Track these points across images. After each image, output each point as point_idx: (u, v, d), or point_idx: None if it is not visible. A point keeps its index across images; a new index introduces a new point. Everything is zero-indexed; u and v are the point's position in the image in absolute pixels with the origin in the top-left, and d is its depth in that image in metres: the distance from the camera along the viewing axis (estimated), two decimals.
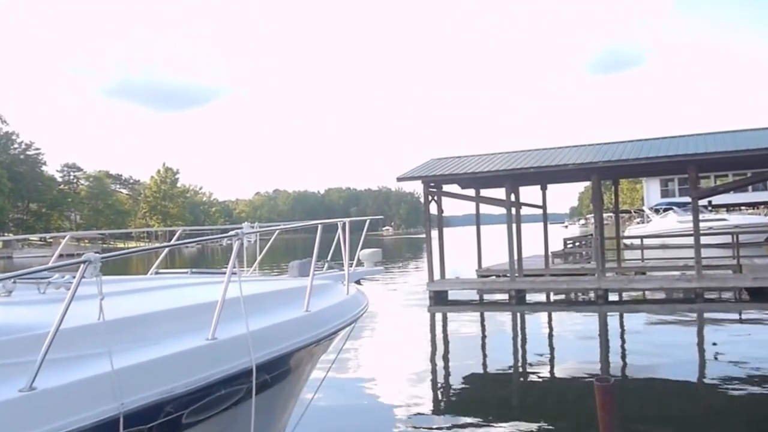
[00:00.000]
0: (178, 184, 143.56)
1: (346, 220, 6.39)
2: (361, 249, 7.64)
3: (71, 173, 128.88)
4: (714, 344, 13.08)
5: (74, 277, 3.31)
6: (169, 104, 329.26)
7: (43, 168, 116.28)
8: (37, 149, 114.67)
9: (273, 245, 7.74)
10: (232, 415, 4.09)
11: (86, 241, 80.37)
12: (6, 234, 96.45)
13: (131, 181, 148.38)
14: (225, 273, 4.25)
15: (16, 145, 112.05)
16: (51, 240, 73.46)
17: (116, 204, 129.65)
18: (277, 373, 4.58)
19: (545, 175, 21.38)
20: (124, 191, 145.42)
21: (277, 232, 7.86)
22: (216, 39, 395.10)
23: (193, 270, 7.12)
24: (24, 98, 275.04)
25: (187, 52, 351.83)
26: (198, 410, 3.72)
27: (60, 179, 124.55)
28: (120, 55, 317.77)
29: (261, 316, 4.53)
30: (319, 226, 5.96)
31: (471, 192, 22.93)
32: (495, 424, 8.07)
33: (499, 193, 20.93)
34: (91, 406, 3.00)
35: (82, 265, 3.22)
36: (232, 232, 4.54)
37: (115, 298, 4.43)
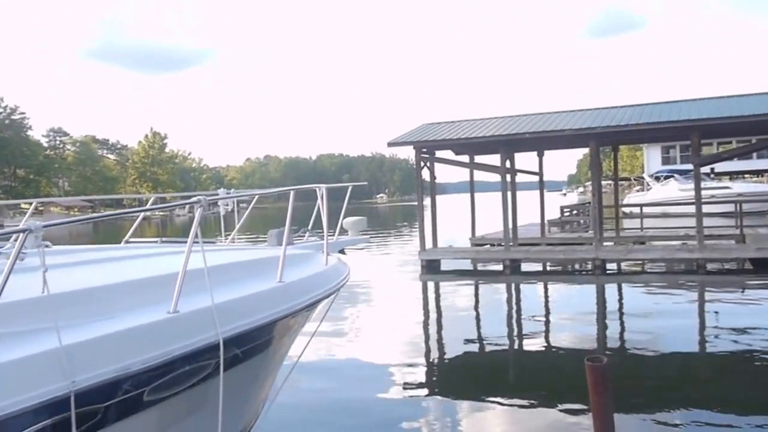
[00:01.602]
0: (167, 150, 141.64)
1: (324, 186, 5.96)
2: (344, 217, 7.29)
3: (57, 138, 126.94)
4: (716, 317, 12.64)
5: (33, 247, 3.07)
6: (154, 66, 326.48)
7: (29, 133, 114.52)
8: (22, 113, 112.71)
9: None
10: (201, 391, 3.88)
11: (76, 209, 79.60)
12: None
13: (118, 146, 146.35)
14: (200, 242, 4.01)
15: (0, 110, 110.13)
16: (42, 208, 72.70)
17: (104, 170, 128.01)
18: (248, 347, 4.32)
19: (541, 141, 20.76)
20: (112, 157, 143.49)
21: (256, 198, 7.55)
22: None
23: (163, 239, 6.82)
24: (6, 61, 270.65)
25: (173, 12, 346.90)
26: (161, 387, 3.50)
27: (46, 144, 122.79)
28: (103, 17, 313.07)
29: (230, 287, 4.27)
30: (292, 192, 5.59)
31: (465, 158, 22.25)
32: (488, 398, 7.80)
33: (495, 159, 20.26)
34: (37, 385, 2.80)
35: (21, 235, 3.00)
36: (193, 199, 4.24)
37: (74, 268, 4.29)
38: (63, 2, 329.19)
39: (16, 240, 3.84)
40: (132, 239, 6.67)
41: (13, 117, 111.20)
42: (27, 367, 2.83)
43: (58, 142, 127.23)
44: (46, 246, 4.52)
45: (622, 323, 12.20)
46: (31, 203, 7.66)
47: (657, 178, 43.74)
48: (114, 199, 57.87)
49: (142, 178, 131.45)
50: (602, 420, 4.96)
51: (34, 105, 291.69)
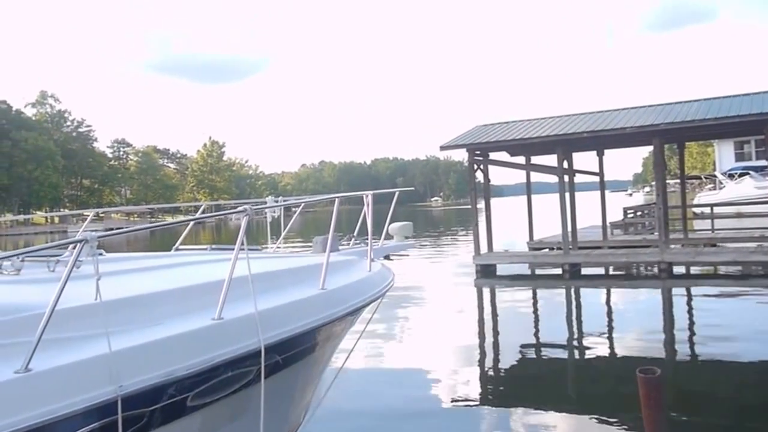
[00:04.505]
0: (225, 158, 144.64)
1: (370, 193, 6.03)
2: (391, 222, 7.27)
3: (121, 149, 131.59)
4: None
5: (88, 256, 3.15)
6: (213, 77, 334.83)
7: (95, 144, 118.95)
8: (89, 126, 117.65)
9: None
10: (243, 397, 3.94)
11: (135, 215, 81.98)
12: (61, 209, 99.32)
13: (178, 155, 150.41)
14: (245, 249, 4.06)
15: (68, 123, 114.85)
16: (103, 215, 75.29)
17: (164, 179, 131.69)
18: (289, 354, 4.37)
19: (601, 140, 19.94)
20: (172, 166, 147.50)
21: (303, 205, 7.56)
22: (260, 10, 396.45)
23: (213, 246, 6.84)
24: (74, 76, 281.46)
25: (231, 23, 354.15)
26: (204, 393, 3.57)
27: (110, 155, 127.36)
28: (165, 30, 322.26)
29: (274, 294, 4.33)
30: (336, 200, 5.68)
31: (521, 159, 21.61)
32: (543, 408, 7.48)
33: (552, 160, 19.54)
34: (87, 389, 2.90)
35: (78, 245, 3.14)
36: (240, 208, 4.27)
37: (124, 276, 4.41)
38: (128, 19, 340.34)
39: (73, 248, 3.98)
40: (181, 246, 6.76)
41: (80, 130, 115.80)
42: (77, 371, 2.93)
43: (121, 153, 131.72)
44: (100, 254, 4.48)
45: (689, 331, 11.49)
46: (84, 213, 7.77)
47: (731, 176, 41.41)
48: (173, 206, 59.19)
49: (199, 186, 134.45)
50: None
51: (99, 117, 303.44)
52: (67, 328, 3.11)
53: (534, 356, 10.44)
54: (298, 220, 7.59)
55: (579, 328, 12.46)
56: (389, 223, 7.20)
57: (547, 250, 21.62)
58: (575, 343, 11.26)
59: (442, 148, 20.52)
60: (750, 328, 11.07)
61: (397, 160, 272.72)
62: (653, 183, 21.13)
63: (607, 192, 24.29)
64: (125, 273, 4.55)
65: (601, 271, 19.04)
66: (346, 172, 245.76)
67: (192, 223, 6.79)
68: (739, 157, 46.22)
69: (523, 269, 19.64)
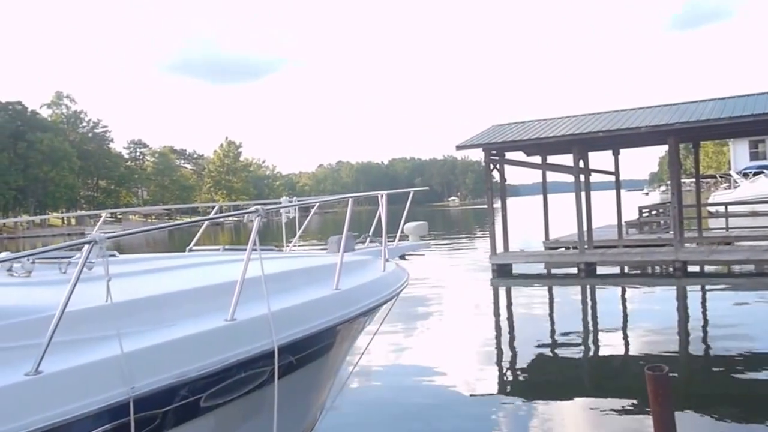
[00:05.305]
0: (241, 158, 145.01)
1: (384, 192, 6.05)
2: (406, 222, 7.29)
3: (137, 150, 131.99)
4: None
5: (98, 257, 3.19)
6: (230, 77, 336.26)
7: (111, 145, 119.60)
8: (105, 127, 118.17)
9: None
10: (257, 398, 3.94)
11: (153, 217, 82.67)
12: (78, 210, 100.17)
13: (195, 155, 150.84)
14: (258, 250, 4.05)
15: (84, 124, 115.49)
16: (121, 216, 75.83)
17: (181, 179, 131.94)
18: (303, 354, 4.35)
19: (617, 140, 20.01)
20: (189, 166, 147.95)
21: (317, 205, 7.68)
22: (276, 10, 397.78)
23: (226, 247, 6.93)
24: (90, 76, 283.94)
25: (248, 24, 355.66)
26: (217, 393, 3.58)
27: (127, 156, 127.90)
28: (181, 30, 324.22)
29: (287, 295, 4.33)
30: (350, 200, 5.70)
31: (537, 159, 21.70)
32: (561, 404, 7.63)
33: (568, 159, 19.63)
34: (99, 391, 2.90)
35: (86, 246, 3.11)
36: (252, 209, 4.32)
37: (136, 277, 4.39)
38: (145, 20, 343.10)
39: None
40: (195, 247, 6.79)
41: (96, 130, 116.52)
42: (89, 373, 2.92)
43: (138, 154, 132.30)
44: (112, 255, 4.57)
45: (702, 329, 11.56)
46: (98, 214, 7.93)
47: (745, 175, 41.26)
48: (190, 207, 59.60)
49: (216, 187, 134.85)
50: (663, 430, 4.83)
51: (116, 118, 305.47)
52: (78, 330, 3.10)
53: (549, 355, 10.52)
54: (316, 220, 7.66)
55: (594, 327, 12.55)
56: (404, 223, 7.21)
57: (562, 249, 21.67)
58: (590, 341, 11.35)
59: (459, 147, 20.62)
60: (762, 327, 11.12)
61: (414, 159, 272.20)
62: (669, 182, 21.12)
63: (623, 191, 24.33)
64: (137, 274, 4.55)
65: (616, 270, 19.08)
66: (363, 173, 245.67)
67: (206, 223, 6.93)
68: (754, 156, 46.15)
69: (539, 269, 19.69)
